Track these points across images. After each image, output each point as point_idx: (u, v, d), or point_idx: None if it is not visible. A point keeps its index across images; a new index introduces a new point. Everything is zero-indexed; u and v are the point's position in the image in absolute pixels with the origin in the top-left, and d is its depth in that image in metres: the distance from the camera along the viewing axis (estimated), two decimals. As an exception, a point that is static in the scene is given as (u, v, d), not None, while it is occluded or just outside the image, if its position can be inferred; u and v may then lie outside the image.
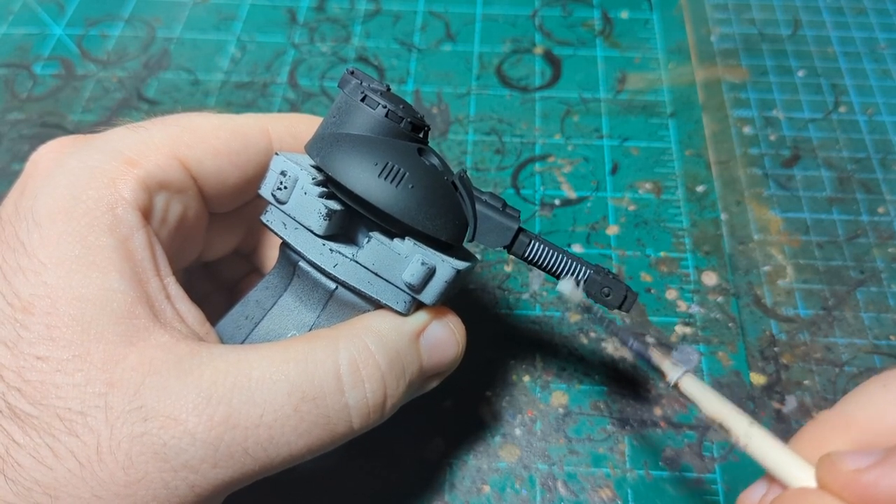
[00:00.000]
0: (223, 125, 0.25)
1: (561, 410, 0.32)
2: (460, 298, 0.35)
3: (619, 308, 0.25)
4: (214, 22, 0.49)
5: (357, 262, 0.23)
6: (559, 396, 0.33)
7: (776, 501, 0.20)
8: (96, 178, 0.21)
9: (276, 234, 0.23)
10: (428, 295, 0.23)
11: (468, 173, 0.23)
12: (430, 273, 0.23)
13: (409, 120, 0.23)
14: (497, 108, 0.44)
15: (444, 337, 0.25)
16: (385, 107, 0.22)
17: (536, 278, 0.36)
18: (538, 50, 0.47)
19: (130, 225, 0.21)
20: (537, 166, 0.41)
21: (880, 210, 0.39)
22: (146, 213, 0.22)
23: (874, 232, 0.38)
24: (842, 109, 0.44)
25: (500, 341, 0.34)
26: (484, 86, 0.45)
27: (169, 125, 0.24)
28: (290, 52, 0.47)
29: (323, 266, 0.23)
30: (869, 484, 0.17)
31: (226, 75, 0.46)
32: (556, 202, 0.39)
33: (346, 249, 0.23)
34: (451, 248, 0.24)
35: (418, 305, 0.24)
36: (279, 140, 0.26)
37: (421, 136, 0.24)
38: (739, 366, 0.33)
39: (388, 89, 0.24)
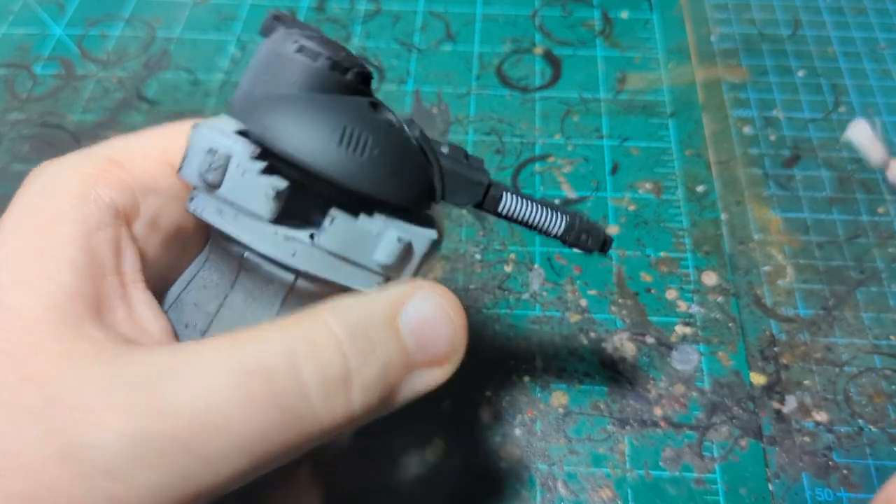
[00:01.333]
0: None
1: (561, 410, 0.32)
2: (459, 298, 0.35)
3: (600, 251, 0.24)
4: (214, 22, 0.49)
5: (319, 247, 0.19)
6: (559, 396, 0.33)
7: None
8: (73, 177, 0.20)
9: (212, 225, 0.20)
10: (404, 273, 0.20)
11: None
12: (408, 249, 0.20)
13: (356, 70, 0.19)
14: (497, 108, 0.44)
15: (432, 313, 0.20)
16: (329, 57, 0.19)
17: (536, 278, 0.36)
18: (538, 50, 0.47)
19: (99, 221, 0.20)
20: (537, 166, 0.41)
21: (880, 210, 0.39)
22: (128, 215, 0.21)
23: (874, 232, 0.38)
24: (842, 109, 0.44)
25: (500, 341, 0.34)
26: (484, 86, 0.45)
27: (164, 130, 0.23)
28: (290, 52, 0.47)
29: (278, 258, 0.19)
30: None
31: (226, 75, 0.46)
32: (557, 202, 0.39)
33: (302, 234, 0.19)
34: (410, 213, 0.21)
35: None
36: None
37: (367, 88, 0.20)
38: (739, 366, 0.34)
39: (320, 32, 0.20)
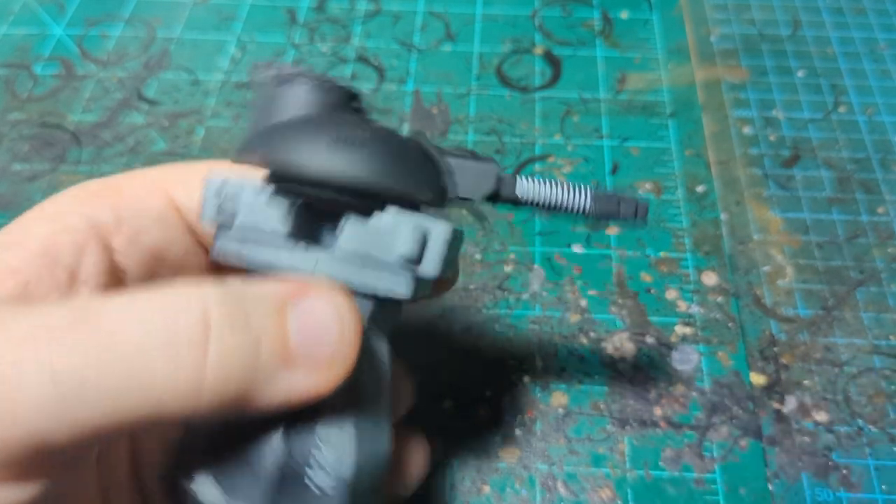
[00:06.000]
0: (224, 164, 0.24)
1: (561, 410, 0.32)
2: (459, 298, 0.36)
3: (637, 217, 0.22)
4: (215, 22, 0.49)
5: (339, 250, 0.19)
6: (559, 396, 0.33)
7: None
8: (66, 192, 0.22)
9: (236, 265, 0.20)
10: (429, 266, 0.19)
11: None
12: (425, 239, 0.19)
13: (341, 86, 0.20)
14: (497, 108, 0.44)
15: (327, 312, 0.18)
16: (309, 79, 0.20)
17: (536, 278, 0.36)
18: (538, 50, 0.47)
19: (68, 226, 0.21)
20: (537, 166, 0.41)
21: (880, 210, 0.39)
22: (109, 229, 0.22)
23: (874, 232, 0.38)
24: (841, 109, 0.44)
25: (500, 341, 0.34)
26: (484, 86, 0.45)
27: (169, 166, 0.24)
28: (290, 53, 0.47)
29: (301, 268, 0.19)
30: None
31: (226, 75, 0.46)
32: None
33: (319, 247, 0.19)
34: (422, 208, 0.21)
35: (419, 285, 0.20)
36: None
37: (357, 106, 0.21)
38: (739, 366, 0.34)
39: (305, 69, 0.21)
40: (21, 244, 0.20)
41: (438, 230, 0.19)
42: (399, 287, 0.19)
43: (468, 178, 0.21)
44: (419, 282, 0.20)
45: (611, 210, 0.21)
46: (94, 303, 0.17)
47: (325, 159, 0.18)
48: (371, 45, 0.48)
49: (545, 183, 0.21)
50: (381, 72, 0.46)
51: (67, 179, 0.40)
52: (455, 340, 0.34)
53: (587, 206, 0.21)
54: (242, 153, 0.20)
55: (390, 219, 0.19)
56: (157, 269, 0.24)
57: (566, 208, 0.21)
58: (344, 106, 0.20)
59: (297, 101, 0.19)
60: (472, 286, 0.36)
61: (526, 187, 0.21)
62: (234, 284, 0.18)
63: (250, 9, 0.50)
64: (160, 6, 0.50)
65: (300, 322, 0.18)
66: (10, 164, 0.41)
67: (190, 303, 0.17)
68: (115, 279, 0.22)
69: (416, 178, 0.19)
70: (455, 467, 0.31)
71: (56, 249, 0.21)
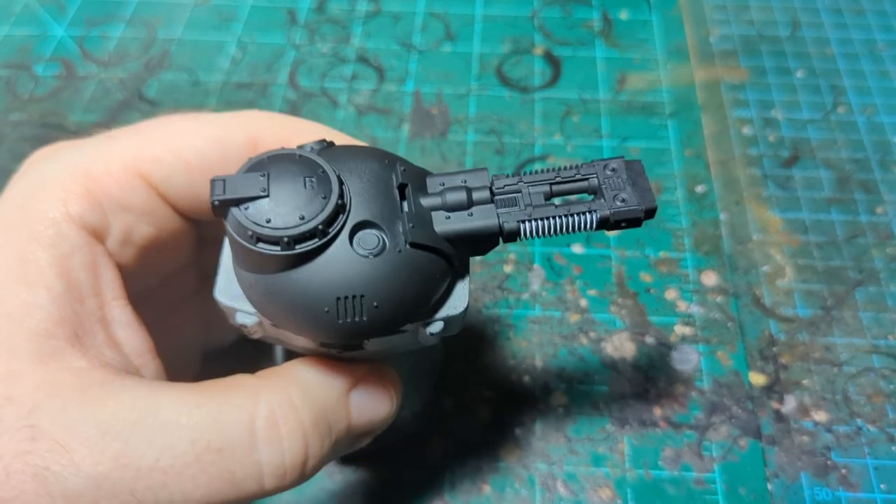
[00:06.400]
0: (199, 133, 0.23)
1: (561, 410, 0.32)
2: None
3: (640, 225, 0.21)
4: (215, 23, 0.49)
5: (369, 348, 0.21)
6: (559, 396, 0.33)
7: None
8: (49, 191, 0.21)
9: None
10: (452, 330, 0.21)
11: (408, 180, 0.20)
12: (444, 327, 0.21)
13: (320, 225, 0.18)
14: (497, 108, 0.44)
15: (378, 394, 0.22)
16: (287, 239, 0.17)
17: (536, 278, 0.37)
18: (538, 50, 0.48)
19: (72, 243, 0.20)
20: (537, 166, 0.41)
21: (879, 210, 0.39)
22: (99, 233, 0.21)
23: (873, 232, 0.38)
24: (840, 110, 0.44)
25: (501, 341, 0.34)
26: (484, 86, 0.45)
27: (139, 134, 0.23)
28: (290, 53, 0.47)
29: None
30: None
31: (226, 76, 0.46)
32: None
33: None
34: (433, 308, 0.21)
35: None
36: (265, 145, 0.24)
37: (343, 215, 0.18)
38: (739, 366, 0.34)
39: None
40: (40, 280, 0.19)
41: (436, 326, 0.20)
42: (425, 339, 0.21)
43: (469, 245, 0.20)
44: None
45: (619, 227, 0.21)
46: (151, 405, 0.19)
47: (334, 331, 0.18)
48: (371, 46, 0.48)
49: (550, 222, 0.20)
50: (381, 72, 0.46)
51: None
52: (455, 340, 0.34)
53: (594, 229, 0.21)
54: (239, 297, 0.20)
55: (409, 329, 0.20)
56: (146, 259, 0.23)
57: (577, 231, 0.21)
58: (335, 222, 0.18)
59: (275, 259, 0.18)
60: (472, 286, 0.36)
61: (529, 232, 0.20)
62: (314, 388, 0.21)
63: (250, 9, 0.50)
64: (161, 7, 0.50)
65: (360, 402, 0.22)
66: (11, 164, 0.41)
67: (293, 432, 0.20)
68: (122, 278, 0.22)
69: (422, 306, 0.20)
70: (455, 467, 0.31)
71: (77, 281, 0.20)
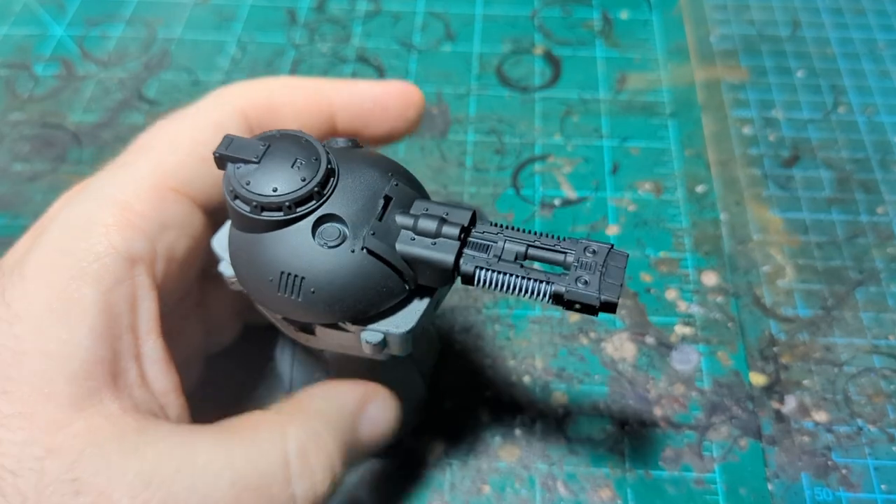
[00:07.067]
0: (196, 126, 0.23)
1: (561, 410, 0.32)
2: (459, 298, 0.36)
3: (597, 314, 0.20)
4: (215, 22, 0.49)
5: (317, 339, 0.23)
6: (559, 396, 0.33)
7: None
8: (89, 229, 0.21)
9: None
10: (394, 349, 0.22)
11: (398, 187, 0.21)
12: (384, 340, 0.21)
13: (288, 202, 0.19)
14: (497, 108, 0.44)
15: (382, 415, 0.25)
16: (255, 203, 0.19)
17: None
18: (538, 50, 0.48)
19: (116, 276, 0.20)
20: (537, 166, 0.41)
21: (879, 210, 0.39)
22: (146, 260, 0.21)
23: (873, 232, 0.38)
24: (841, 110, 0.44)
25: (500, 341, 0.34)
26: (484, 86, 0.45)
27: (150, 150, 0.23)
28: (290, 53, 0.47)
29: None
30: None
31: (226, 75, 0.46)
32: (556, 202, 0.40)
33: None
34: (379, 314, 0.22)
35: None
36: (258, 121, 0.24)
37: (314, 202, 0.20)
38: (739, 366, 0.34)
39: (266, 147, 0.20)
40: (83, 319, 0.19)
41: (394, 334, 0.21)
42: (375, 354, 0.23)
43: (425, 271, 0.21)
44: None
45: (571, 308, 0.20)
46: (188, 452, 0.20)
47: (272, 300, 0.20)
48: (371, 45, 0.48)
49: (506, 279, 0.20)
50: (381, 72, 0.46)
51: (68, 180, 0.40)
52: (455, 340, 0.34)
53: (546, 302, 0.21)
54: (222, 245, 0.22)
55: (353, 329, 0.21)
56: (186, 272, 0.24)
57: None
58: (299, 213, 0.20)
59: (245, 218, 0.20)
60: (472, 287, 0.36)
61: (484, 281, 0.20)
62: (335, 415, 0.23)
63: (250, 9, 0.50)
64: (161, 6, 0.50)
65: (369, 423, 0.24)
66: (11, 164, 0.41)
67: (321, 463, 0.21)
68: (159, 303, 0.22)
69: (360, 306, 0.20)
70: (455, 467, 0.31)
71: (117, 316, 0.20)
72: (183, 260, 0.23)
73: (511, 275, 0.20)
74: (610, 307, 0.19)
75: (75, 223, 0.21)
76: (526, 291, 0.20)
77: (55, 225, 0.21)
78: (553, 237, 0.21)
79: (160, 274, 0.22)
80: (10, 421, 0.18)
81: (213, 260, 0.23)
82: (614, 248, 0.20)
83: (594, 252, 0.20)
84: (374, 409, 0.24)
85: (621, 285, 0.20)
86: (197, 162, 0.23)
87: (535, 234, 0.21)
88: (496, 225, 0.21)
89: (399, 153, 0.42)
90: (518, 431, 0.32)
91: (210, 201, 0.24)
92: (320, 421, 0.22)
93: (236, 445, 0.20)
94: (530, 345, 0.34)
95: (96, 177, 0.23)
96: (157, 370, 0.22)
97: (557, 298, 0.20)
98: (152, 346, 0.22)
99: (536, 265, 0.21)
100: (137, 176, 0.22)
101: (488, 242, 0.21)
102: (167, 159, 0.23)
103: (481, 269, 0.20)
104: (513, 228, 0.21)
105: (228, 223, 0.22)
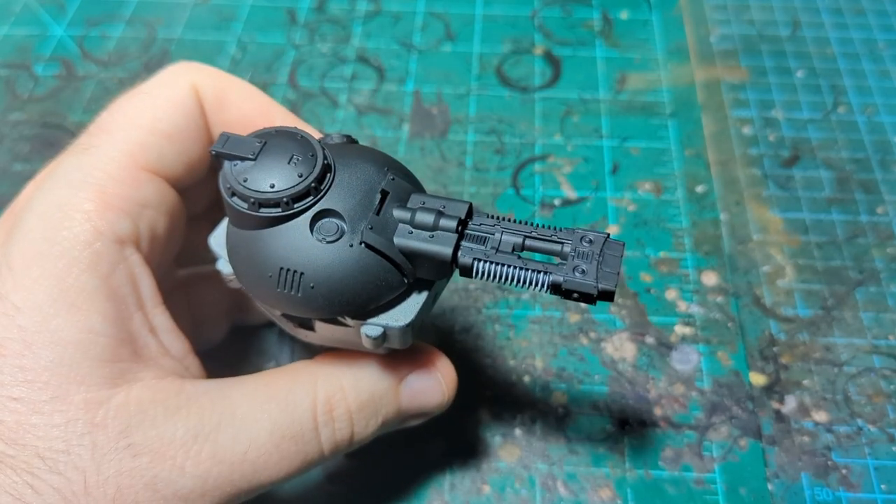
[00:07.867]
0: (154, 104, 0.24)
1: (561, 410, 0.32)
2: (459, 298, 0.36)
3: (594, 303, 0.20)
4: (215, 22, 0.49)
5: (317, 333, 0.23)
6: (559, 396, 0.33)
7: None
8: (69, 216, 0.21)
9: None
10: (394, 343, 0.22)
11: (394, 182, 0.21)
12: (384, 334, 0.21)
13: (285, 198, 0.19)
14: (497, 108, 0.44)
15: (428, 386, 0.25)
16: (253, 200, 0.20)
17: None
18: (538, 50, 0.48)
19: (111, 260, 0.21)
20: (537, 166, 0.41)
21: (879, 210, 0.39)
22: (133, 239, 0.22)
23: (873, 232, 0.38)
24: (841, 110, 0.44)
25: (500, 341, 0.34)
26: (484, 86, 0.45)
27: (114, 132, 0.23)
28: (290, 53, 0.47)
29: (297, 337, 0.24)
30: None
31: (226, 76, 0.46)
32: (556, 202, 0.40)
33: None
34: (379, 307, 0.22)
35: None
36: (209, 106, 0.25)
37: (312, 197, 0.20)
38: (739, 366, 0.34)
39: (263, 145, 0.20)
40: (91, 306, 0.20)
41: (392, 328, 0.21)
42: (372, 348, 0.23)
43: (423, 264, 0.21)
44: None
45: (569, 298, 0.20)
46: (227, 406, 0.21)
47: (272, 296, 0.20)
48: (371, 45, 0.48)
49: (504, 269, 0.20)
50: (381, 72, 0.46)
51: (68, 180, 0.40)
52: (455, 340, 0.34)
53: (545, 292, 0.21)
54: (220, 244, 0.23)
55: (352, 323, 0.22)
56: (171, 243, 0.24)
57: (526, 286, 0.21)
58: (296, 210, 0.20)
59: (243, 216, 0.20)
60: (472, 286, 0.36)
61: (482, 273, 0.20)
62: (364, 380, 0.24)
63: (250, 9, 0.50)
64: (161, 6, 0.50)
65: (411, 393, 0.25)
66: (11, 164, 0.41)
67: (342, 417, 0.23)
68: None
69: (360, 300, 0.20)
70: (455, 467, 0.31)
71: (123, 299, 0.21)
72: (164, 238, 0.24)
73: (509, 266, 0.20)
74: (608, 295, 0.20)
75: (52, 211, 0.21)
76: (524, 282, 0.20)
77: (31, 215, 0.21)
78: (549, 228, 0.21)
79: (146, 252, 0.22)
80: (42, 407, 0.19)
81: (201, 258, 0.24)
82: (610, 237, 0.21)
83: (591, 241, 0.20)
84: (417, 380, 0.25)
85: (618, 273, 0.20)
86: (161, 140, 0.23)
87: (532, 225, 0.21)
88: (493, 217, 0.21)
89: (399, 153, 0.42)
90: (518, 431, 0.32)
91: (180, 179, 0.24)
92: (349, 378, 0.23)
93: (272, 398, 0.22)
94: (530, 345, 0.34)
95: (61, 162, 0.23)
96: (171, 338, 0.23)
97: (555, 288, 0.20)
98: (161, 317, 0.22)
99: (534, 256, 0.21)
100: (106, 158, 0.22)
101: (485, 234, 0.21)
102: (132, 139, 0.23)
103: (479, 260, 0.20)
104: (509, 220, 0.21)
105: (225, 221, 0.22)
